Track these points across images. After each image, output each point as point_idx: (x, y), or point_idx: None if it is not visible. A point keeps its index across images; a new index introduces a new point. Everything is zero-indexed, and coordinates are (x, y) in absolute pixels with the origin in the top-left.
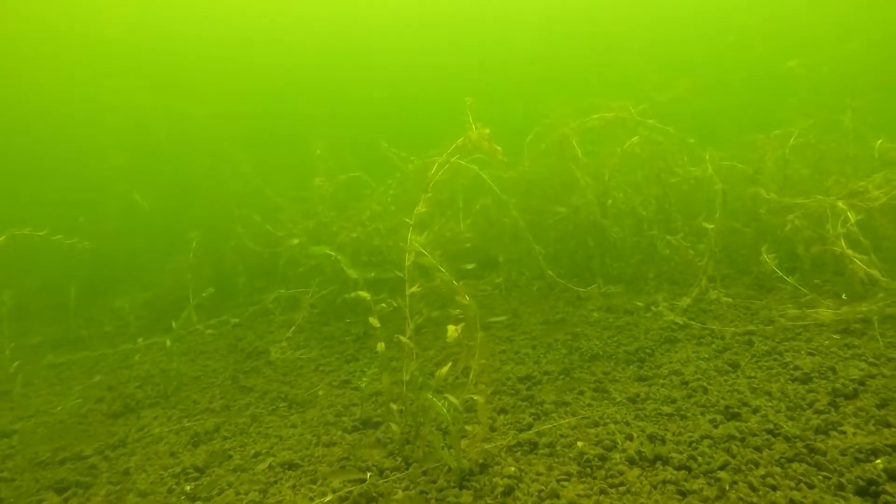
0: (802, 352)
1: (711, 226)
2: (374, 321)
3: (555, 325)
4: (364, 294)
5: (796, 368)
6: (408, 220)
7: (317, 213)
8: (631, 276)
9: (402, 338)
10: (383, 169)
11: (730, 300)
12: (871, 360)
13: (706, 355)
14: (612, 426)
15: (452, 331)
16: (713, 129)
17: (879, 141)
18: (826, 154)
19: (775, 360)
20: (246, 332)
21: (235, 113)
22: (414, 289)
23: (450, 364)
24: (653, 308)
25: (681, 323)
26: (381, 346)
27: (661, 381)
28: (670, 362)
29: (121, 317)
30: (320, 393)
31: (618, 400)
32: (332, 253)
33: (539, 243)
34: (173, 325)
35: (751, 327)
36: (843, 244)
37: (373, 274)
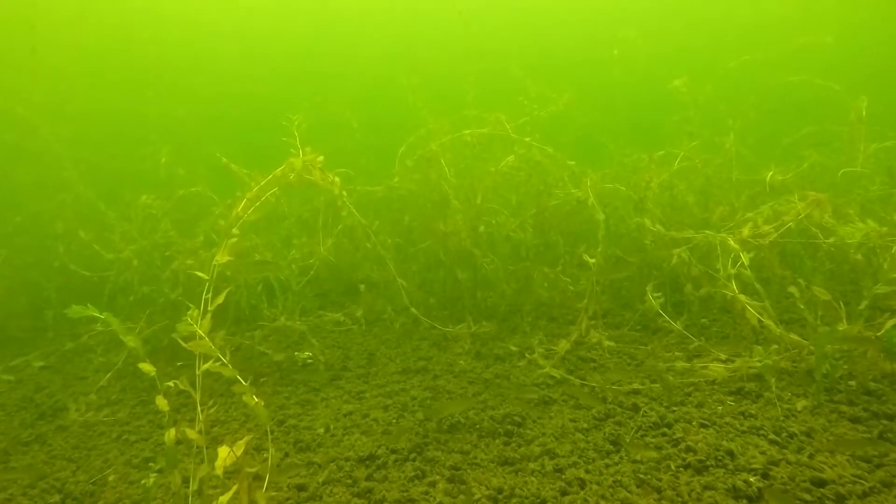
0: (694, 422)
1: (593, 260)
2: (161, 403)
3: (414, 376)
4: (148, 368)
5: (689, 450)
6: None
7: (153, 232)
8: (505, 312)
9: (190, 431)
10: (234, 183)
11: (612, 344)
12: (771, 436)
13: (585, 425)
14: None
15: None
16: (594, 146)
17: (770, 173)
18: (711, 179)
19: (664, 434)
20: (52, 379)
21: (68, 110)
22: (206, 366)
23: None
24: (527, 354)
25: (557, 377)
26: (170, 435)
27: (531, 465)
28: (543, 435)
29: None
30: (110, 479)
31: (476, 497)
32: (100, 315)
33: (405, 272)
34: None
35: (636, 384)
36: (735, 287)
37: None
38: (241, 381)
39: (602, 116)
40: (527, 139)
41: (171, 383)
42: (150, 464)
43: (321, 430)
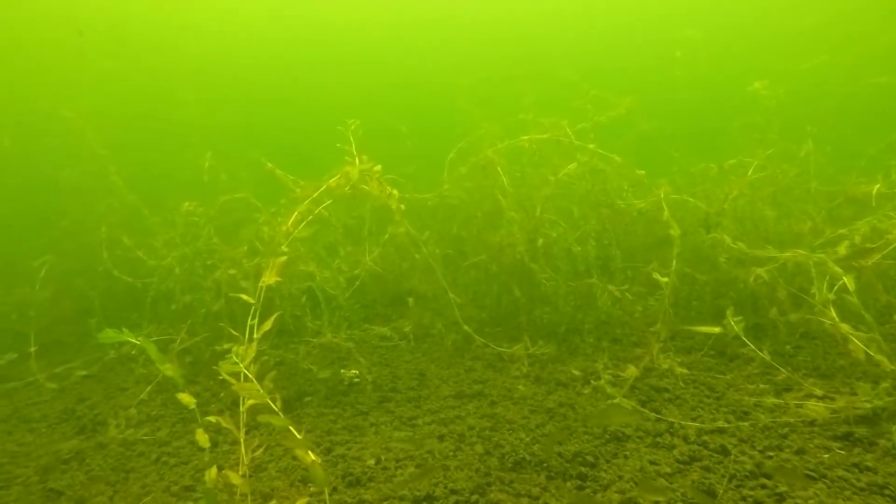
0: (798, 473)
1: (666, 279)
2: (202, 439)
3: (470, 401)
4: (188, 400)
5: None
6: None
7: (196, 239)
8: (564, 332)
9: (233, 475)
10: (278, 189)
11: (686, 371)
12: None
13: (668, 469)
14: None
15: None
16: (656, 154)
17: (877, 186)
18: (788, 190)
19: (763, 486)
20: (93, 389)
21: (115, 115)
22: (250, 402)
23: None
24: (592, 381)
25: (629, 409)
26: (210, 475)
27: None
28: (620, 479)
29: None
30: None
31: None
32: (134, 340)
33: (456, 286)
34: None
35: (720, 421)
36: (835, 315)
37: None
38: (294, 434)
39: (664, 122)
40: (591, 146)
41: (212, 418)
42: (191, 497)
43: (371, 462)
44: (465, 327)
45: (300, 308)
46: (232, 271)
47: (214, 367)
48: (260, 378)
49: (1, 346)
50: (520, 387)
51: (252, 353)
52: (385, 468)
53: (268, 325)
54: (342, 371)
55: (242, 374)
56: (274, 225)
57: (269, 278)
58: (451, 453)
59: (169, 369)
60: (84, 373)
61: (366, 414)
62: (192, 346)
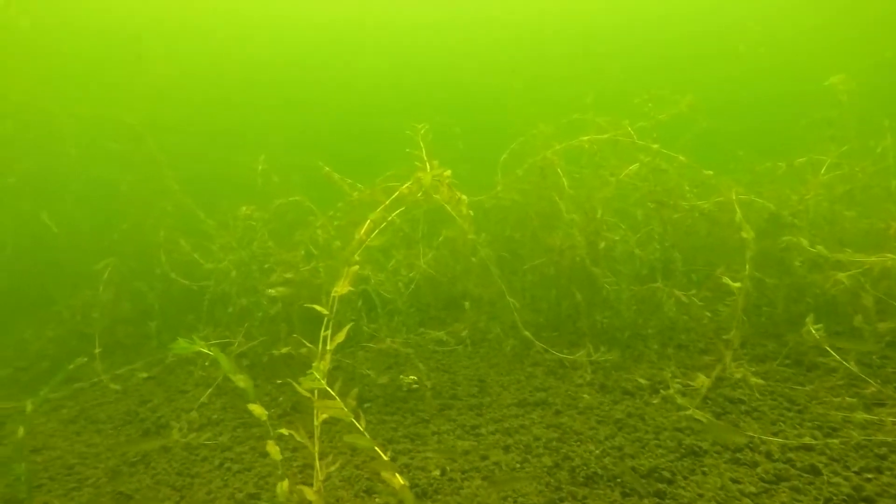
0: None
1: (738, 284)
2: (273, 451)
3: (533, 410)
4: (260, 412)
5: None
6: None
7: (251, 243)
8: (628, 338)
9: (308, 491)
10: (333, 192)
11: (761, 382)
12: None
13: (753, 488)
14: None
15: None
16: (719, 152)
17: None
18: (868, 188)
19: None
20: (154, 391)
21: (170, 121)
22: (324, 416)
23: None
24: (661, 390)
25: (704, 421)
26: (282, 488)
27: None
28: (701, 497)
29: (10, 363)
30: None
31: None
32: (206, 350)
33: (512, 290)
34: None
35: (806, 438)
36: None
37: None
38: (381, 455)
39: (726, 119)
40: (654, 146)
41: (284, 431)
42: (259, 497)
43: (437, 473)
44: (525, 332)
45: (355, 312)
46: (288, 275)
47: (276, 371)
48: (341, 394)
49: (67, 347)
50: (584, 395)
51: (327, 365)
52: (451, 479)
53: (341, 337)
54: (401, 377)
55: (317, 391)
56: (329, 229)
57: (342, 288)
58: (518, 465)
59: (241, 380)
60: (145, 375)
61: (427, 422)
62: (249, 349)
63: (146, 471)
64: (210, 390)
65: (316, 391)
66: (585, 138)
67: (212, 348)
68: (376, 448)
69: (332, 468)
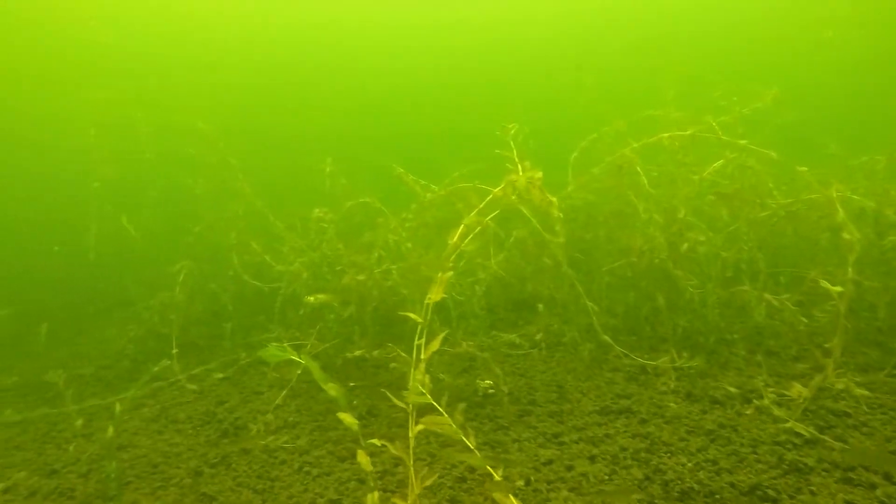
0: None
1: (839, 288)
2: (364, 461)
3: (617, 418)
4: (350, 421)
5: None
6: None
7: (321, 244)
8: (713, 344)
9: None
10: (399, 194)
11: (867, 393)
12: None
13: None
14: None
15: None
16: (808, 147)
17: None
18: None
19: None
20: (230, 392)
21: (239, 126)
22: (419, 428)
23: None
24: (754, 400)
25: (806, 435)
26: (372, 499)
27: None
28: None
29: (94, 361)
30: None
31: None
32: (298, 359)
33: (589, 292)
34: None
35: None
36: None
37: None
38: (493, 474)
39: (814, 110)
40: (742, 141)
41: (376, 441)
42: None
43: (521, 483)
44: (604, 336)
45: (425, 311)
46: (361, 277)
47: (349, 374)
48: (447, 409)
49: (145, 346)
50: (670, 404)
51: (421, 375)
52: (536, 490)
53: (436, 345)
54: (477, 381)
55: (415, 408)
56: (400, 231)
57: (436, 294)
58: (607, 477)
59: (332, 388)
60: (220, 375)
61: (506, 429)
62: (322, 352)
63: (227, 472)
64: (284, 392)
65: (411, 401)
66: (666, 135)
67: (303, 356)
68: (489, 468)
69: (429, 482)
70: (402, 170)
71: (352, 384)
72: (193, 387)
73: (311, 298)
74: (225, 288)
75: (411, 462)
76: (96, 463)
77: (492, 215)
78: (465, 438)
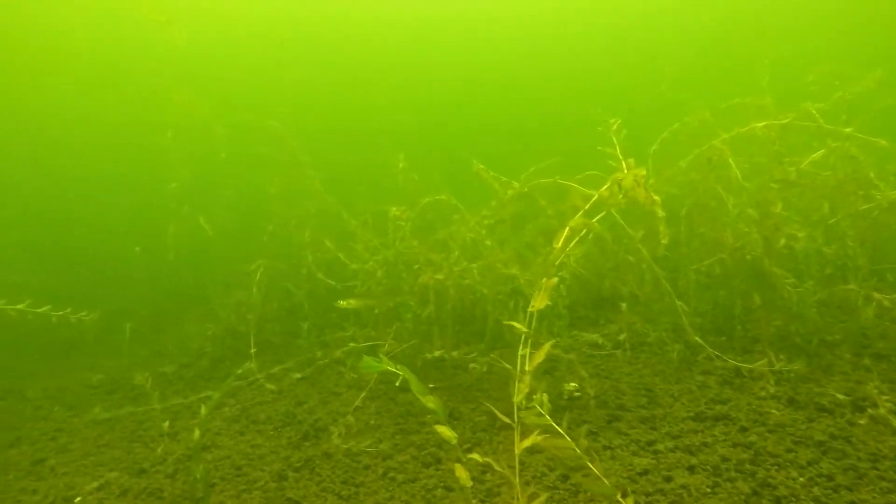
0: None
1: None
2: (462, 476)
3: (714, 425)
4: (449, 435)
5: None
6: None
7: (396, 242)
8: (814, 346)
9: None
10: (471, 189)
11: None
12: None
13: None
14: None
15: None
16: None
17: None
18: None
19: None
20: (309, 392)
21: (311, 124)
22: (525, 444)
23: None
24: (868, 408)
25: None
26: None
27: None
28: None
29: (174, 359)
30: None
31: None
32: (395, 369)
33: (676, 290)
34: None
35: None
36: None
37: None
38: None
39: None
40: (846, 129)
41: (477, 457)
42: None
43: (619, 495)
44: (695, 337)
45: (505, 313)
46: (439, 276)
47: (428, 376)
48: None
49: (223, 345)
50: (772, 410)
51: (527, 388)
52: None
53: (540, 357)
54: (561, 383)
55: (516, 421)
56: (480, 229)
57: (540, 302)
58: (710, 490)
59: (431, 401)
60: (298, 375)
61: (595, 434)
62: (400, 352)
63: (311, 477)
64: (363, 393)
65: (518, 415)
66: (760, 124)
67: (400, 368)
68: (619, 498)
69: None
70: (481, 165)
71: (431, 386)
72: (272, 386)
73: (343, 303)
74: (298, 286)
75: (517, 480)
76: (182, 463)
77: (598, 217)
78: (590, 464)
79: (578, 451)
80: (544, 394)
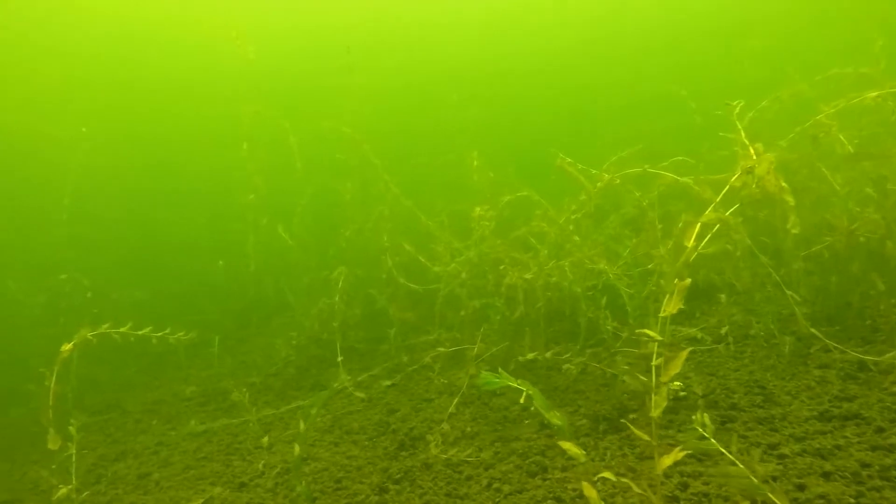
0: None
1: None
2: (591, 496)
3: (844, 425)
4: (577, 452)
5: None
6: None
7: (480, 242)
8: None
9: None
10: (549, 183)
11: None
12: None
13: None
14: None
15: None
16: None
17: None
18: None
19: None
20: (399, 399)
21: (383, 127)
22: (666, 463)
23: None
24: None
25: None
26: None
27: None
28: None
29: (261, 370)
30: None
31: None
32: (517, 385)
33: (779, 277)
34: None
35: None
36: None
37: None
38: None
39: None
40: None
41: (609, 475)
42: None
43: None
44: (810, 328)
45: (599, 309)
46: (528, 276)
47: (520, 377)
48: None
49: (307, 353)
50: None
51: (664, 401)
52: None
53: (677, 367)
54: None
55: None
56: (567, 226)
57: (672, 307)
58: (853, 500)
59: (555, 417)
60: (388, 382)
61: (708, 437)
62: (490, 356)
63: (412, 489)
64: (456, 399)
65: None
66: (872, 94)
67: (522, 383)
68: None
69: None
70: (569, 160)
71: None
72: (361, 394)
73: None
74: (380, 291)
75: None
76: (281, 477)
77: (731, 210)
78: (773, 497)
79: (755, 480)
80: (705, 413)
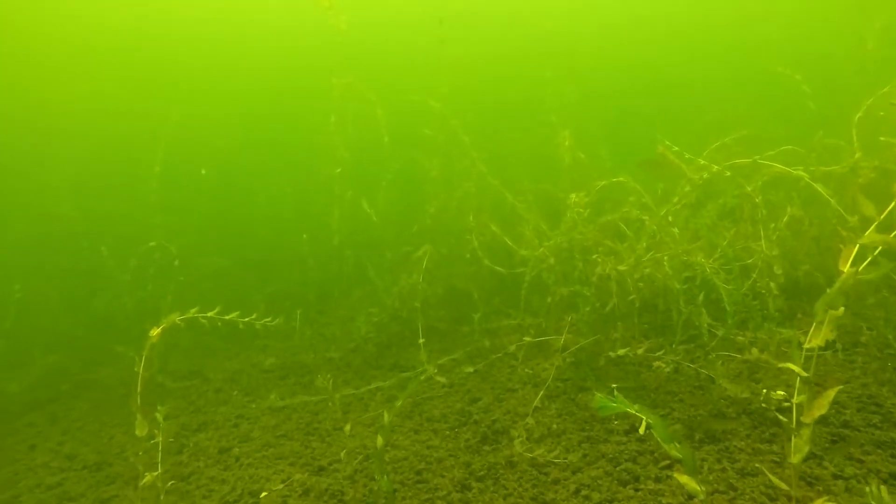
0: None
1: None
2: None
3: None
4: (695, 488)
5: None
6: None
7: (572, 229)
8: None
9: None
10: (641, 167)
11: None
12: None
13: None
14: None
15: None
16: None
17: None
18: None
19: None
20: (481, 388)
21: (474, 103)
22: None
23: None
24: None
25: None
26: None
27: None
28: None
29: (340, 344)
30: None
31: None
32: (633, 411)
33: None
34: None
35: None
36: None
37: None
38: None
39: None
40: None
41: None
42: None
43: None
44: None
45: (696, 308)
46: (622, 267)
47: (609, 374)
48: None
49: (388, 331)
50: None
51: (807, 445)
52: None
53: (823, 409)
54: (764, 391)
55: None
56: (668, 216)
57: (820, 339)
58: None
59: (675, 449)
60: (471, 369)
61: (819, 458)
62: (579, 349)
63: (496, 489)
64: (542, 392)
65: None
66: None
67: (641, 409)
68: None
69: None
70: (674, 147)
71: (614, 386)
72: (442, 379)
73: None
74: (462, 271)
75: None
76: (361, 465)
77: (885, 211)
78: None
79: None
80: (882, 485)
